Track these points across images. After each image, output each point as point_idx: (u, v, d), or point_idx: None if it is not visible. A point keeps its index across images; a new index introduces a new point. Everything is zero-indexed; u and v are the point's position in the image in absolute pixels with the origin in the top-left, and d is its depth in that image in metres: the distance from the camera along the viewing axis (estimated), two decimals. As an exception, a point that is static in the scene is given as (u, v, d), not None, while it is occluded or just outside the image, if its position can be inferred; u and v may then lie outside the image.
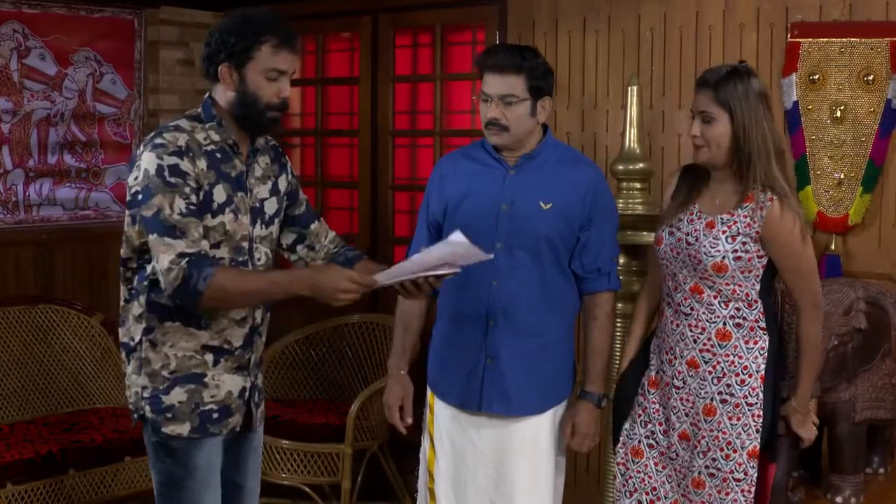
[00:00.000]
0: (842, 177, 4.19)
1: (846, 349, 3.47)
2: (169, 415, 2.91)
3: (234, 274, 2.80)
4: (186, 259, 2.72)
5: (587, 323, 3.33)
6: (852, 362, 3.50)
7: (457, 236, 2.83)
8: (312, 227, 3.18)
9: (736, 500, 3.05)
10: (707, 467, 3.06)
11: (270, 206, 3.03)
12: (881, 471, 3.77)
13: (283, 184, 3.09)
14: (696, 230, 3.05)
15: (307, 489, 4.69)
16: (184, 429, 2.91)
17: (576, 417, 3.30)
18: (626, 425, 3.26)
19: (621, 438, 3.26)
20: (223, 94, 2.90)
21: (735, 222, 3.00)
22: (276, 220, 3.06)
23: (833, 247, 4.21)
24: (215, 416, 2.95)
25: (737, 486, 3.04)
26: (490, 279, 3.21)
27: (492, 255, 2.91)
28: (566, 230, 3.23)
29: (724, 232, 3.00)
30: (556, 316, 3.29)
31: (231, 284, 2.75)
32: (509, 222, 3.20)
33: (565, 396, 3.35)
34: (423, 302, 3.32)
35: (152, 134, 2.86)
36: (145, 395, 2.93)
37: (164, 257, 2.74)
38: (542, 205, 3.21)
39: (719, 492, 3.05)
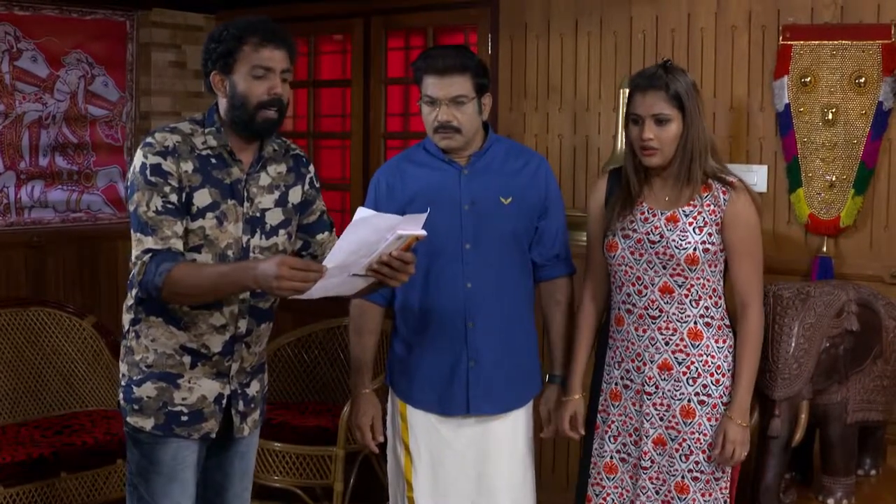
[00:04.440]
0: (833, 179, 4.19)
1: (838, 351, 3.48)
2: (136, 406, 2.94)
3: (189, 268, 2.78)
4: (150, 255, 2.76)
5: (550, 308, 3.37)
6: (844, 364, 3.50)
7: (361, 212, 2.65)
8: (319, 237, 3.15)
9: (717, 500, 3.07)
10: (690, 471, 3.05)
11: (274, 217, 3.00)
12: (873, 472, 3.78)
13: (295, 195, 3.06)
14: (656, 227, 3.03)
15: (299, 492, 4.68)
16: (147, 423, 2.94)
17: (550, 403, 3.34)
18: (594, 444, 3.22)
19: (591, 459, 3.23)
20: (222, 103, 2.93)
21: (700, 212, 3.00)
22: (283, 231, 3.03)
23: (825, 249, 4.21)
24: (184, 418, 2.95)
25: (716, 484, 3.07)
26: (463, 281, 3.23)
27: (426, 213, 2.74)
28: (527, 221, 3.29)
29: (690, 224, 3.00)
30: (526, 307, 3.35)
31: (184, 279, 2.74)
32: (474, 222, 3.22)
33: (540, 384, 3.39)
34: (379, 316, 3.36)
35: (150, 131, 2.92)
36: (122, 382, 3.00)
37: (134, 252, 2.81)
38: (502, 200, 3.24)
39: (703, 494, 3.05)
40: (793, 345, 3.36)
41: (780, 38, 4.29)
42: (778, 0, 4.31)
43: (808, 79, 4.22)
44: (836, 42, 4.18)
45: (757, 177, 4.31)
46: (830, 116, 4.18)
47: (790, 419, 3.41)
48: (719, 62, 4.45)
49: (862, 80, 4.13)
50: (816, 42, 4.21)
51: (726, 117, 4.41)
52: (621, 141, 4.46)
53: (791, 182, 4.28)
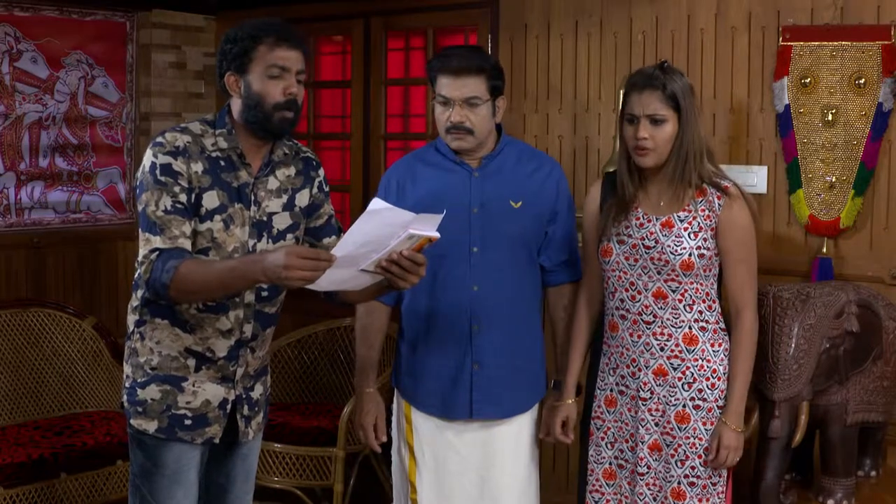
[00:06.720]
0: (833, 180, 4.20)
1: (838, 352, 3.48)
2: (140, 408, 2.93)
3: (197, 264, 2.75)
4: (156, 253, 2.74)
5: (557, 314, 3.36)
6: (844, 365, 3.50)
7: (375, 204, 2.59)
8: (325, 241, 3.09)
9: None
10: (686, 476, 3.04)
11: (281, 221, 2.97)
12: (873, 473, 3.78)
13: (303, 198, 3.02)
14: (651, 233, 3.01)
15: (299, 493, 4.68)
16: (150, 426, 2.92)
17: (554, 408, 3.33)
18: (591, 451, 3.22)
19: (589, 466, 3.22)
20: (235, 105, 2.90)
21: (695, 217, 2.98)
22: (291, 235, 3.00)
23: (825, 250, 4.21)
24: (188, 422, 2.93)
25: (714, 489, 3.06)
26: (470, 284, 3.21)
27: (443, 213, 2.68)
28: (537, 226, 3.27)
29: (685, 229, 2.98)
30: (533, 312, 3.34)
31: (192, 275, 2.70)
32: (483, 225, 3.20)
33: (545, 390, 3.38)
34: (385, 316, 3.35)
35: (160, 132, 2.89)
36: (127, 384, 2.98)
37: (141, 251, 2.78)
38: (512, 204, 3.22)
39: (699, 499, 3.04)
40: (793, 346, 3.36)
41: (780, 39, 4.29)
42: (778, 1, 4.31)
43: (808, 80, 4.22)
44: (835, 43, 4.18)
45: (757, 178, 4.32)
46: (830, 117, 4.19)
47: (790, 420, 3.41)
48: (719, 63, 4.45)
49: (862, 81, 4.13)
50: (816, 43, 4.22)
51: (726, 118, 4.41)
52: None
53: (791, 183, 4.28)
